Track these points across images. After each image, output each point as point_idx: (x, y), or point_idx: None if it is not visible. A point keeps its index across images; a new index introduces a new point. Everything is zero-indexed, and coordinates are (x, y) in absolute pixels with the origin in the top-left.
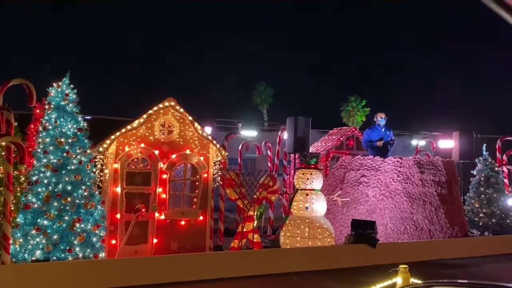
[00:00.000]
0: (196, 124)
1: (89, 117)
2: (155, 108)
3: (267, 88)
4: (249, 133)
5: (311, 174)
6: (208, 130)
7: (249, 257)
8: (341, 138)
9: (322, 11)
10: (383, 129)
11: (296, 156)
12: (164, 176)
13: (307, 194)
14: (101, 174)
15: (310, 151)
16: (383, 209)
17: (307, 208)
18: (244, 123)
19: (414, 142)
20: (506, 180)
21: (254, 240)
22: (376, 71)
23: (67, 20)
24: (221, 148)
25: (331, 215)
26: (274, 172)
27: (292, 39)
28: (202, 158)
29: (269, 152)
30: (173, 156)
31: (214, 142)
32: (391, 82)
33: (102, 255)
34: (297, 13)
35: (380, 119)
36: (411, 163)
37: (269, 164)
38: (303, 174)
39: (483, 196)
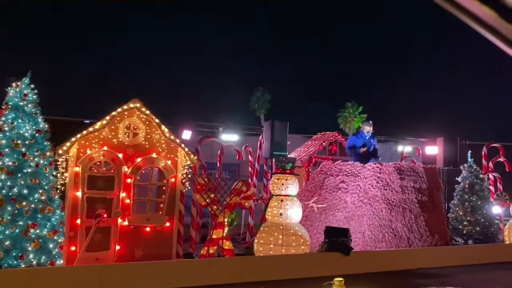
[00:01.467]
0: (163, 127)
1: (87, 121)
2: (119, 110)
3: (264, 93)
4: (230, 137)
5: (286, 179)
6: (187, 134)
7: (216, 265)
8: (324, 143)
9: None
10: (367, 137)
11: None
12: (129, 180)
13: (282, 200)
14: (63, 178)
15: (291, 156)
16: (361, 216)
17: (281, 214)
18: (225, 127)
19: (400, 148)
20: (492, 188)
21: (226, 247)
22: (363, 76)
23: (29, 16)
24: (189, 152)
25: (309, 222)
26: (255, 178)
27: (282, 41)
28: (169, 162)
29: (250, 157)
30: (139, 159)
31: (183, 145)
32: (378, 87)
33: (59, 262)
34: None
35: (367, 133)
36: (391, 169)
37: (249, 169)
38: (278, 179)
39: (467, 203)
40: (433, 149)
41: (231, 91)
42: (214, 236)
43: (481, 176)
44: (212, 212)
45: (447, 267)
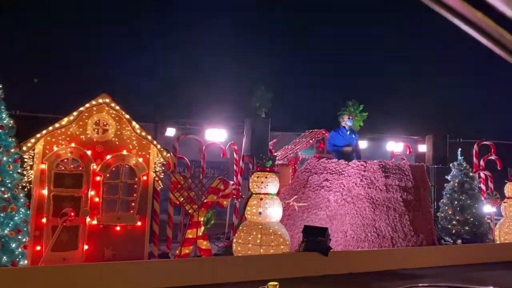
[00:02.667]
0: (133, 123)
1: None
2: (87, 105)
3: (266, 92)
4: (216, 134)
5: (265, 177)
6: (171, 131)
7: (187, 266)
8: (311, 141)
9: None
10: (348, 132)
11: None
12: (98, 178)
13: (261, 199)
14: (29, 175)
15: (280, 153)
16: (344, 215)
17: (260, 213)
18: (210, 124)
19: (390, 146)
20: (483, 186)
21: (203, 247)
22: (355, 72)
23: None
24: (162, 149)
25: (291, 221)
26: (240, 176)
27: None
28: (141, 159)
29: (235, 154)
30: (108, 157)
31: (155, 142)
32: (370, 83)
33: (23, 262)
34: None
35: (348, 119)
36: (376, 167)
37: (235, 167)
38: (257, 177)
39: (456, 202)
40: (424, 147)
41: (218, 87)
42: (189, 236)
43: (471, 174)
44: (189, 211)
45: (431, 267)
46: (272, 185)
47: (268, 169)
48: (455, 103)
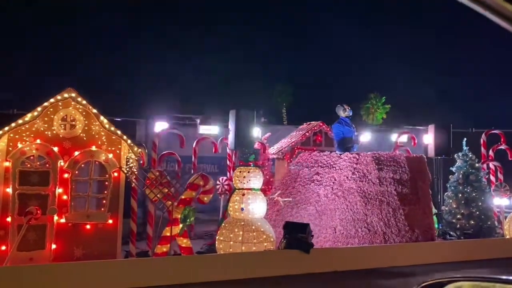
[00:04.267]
0: (101, 118)
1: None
2: (52, 100)
3: (286, 87)
4: (209, 129)
5: (248, 172)
6: (162, 126)
7: (160, 264)
8: (307, 134)
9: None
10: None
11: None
12: (66, 175)
13: (243, 194)
14: None
15: (277, 147)
16: (333, 210)
17: (242, 209)
18: (204, 118)
19: (395, 137)
20: (492, 178)
21: (183, 245)
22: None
23: None
24: (133, 145)
25: (280, 217)
26: (233, 171)
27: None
28: (111, 155)
29: (227, 149)
30: (76, 153)
31: (125, 137)
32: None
33: None
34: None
35: (349, 109)
36: (369, 159)
37: (228, 162)
38: (240, 172)
39: (460, 195)
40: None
41: (211, 81)
42: (166, 234)
43: (476, 165)
44: (168, 208)
45: (424, 264)
46: (255, 180)
47: (250, 163)
48: (462, 91)
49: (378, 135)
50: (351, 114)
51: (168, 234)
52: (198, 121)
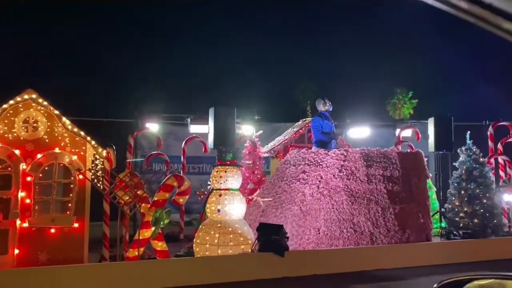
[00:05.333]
0: (64, 119)
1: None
2: (12, 102)
3: (310, 84)
4: (201, 128)
5: (225, 171)
6: (153, 127)
7: (127, 269)
8: (301, 131)
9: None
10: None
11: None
12: (29, 178)
13: (220, 195)
14: None
15: (273, 144)
16: (318, 210)
17: (219, 210)
18: (195, 118)
19: (399, 132)
20: (501, 173)
21: (158, 249)
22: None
23: None
24: (96, 146)
25: (264, 218)
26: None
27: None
28: (75, 157)
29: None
30: (39, 155)
31: (88, 138)
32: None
33: None
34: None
35: (329, 104)
36: (358, 155)
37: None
38: (216, 172)
39: (463, 192)
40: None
41: (200, 78)
42: (140, 237)
43: (481, 160)
44: (141, 210)
45: (412, 267)
46: (232, 180)
47: (228, 162)
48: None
49: (381, 130)
50: (331, 109)
51: (141, 237)
52: (189, 120)
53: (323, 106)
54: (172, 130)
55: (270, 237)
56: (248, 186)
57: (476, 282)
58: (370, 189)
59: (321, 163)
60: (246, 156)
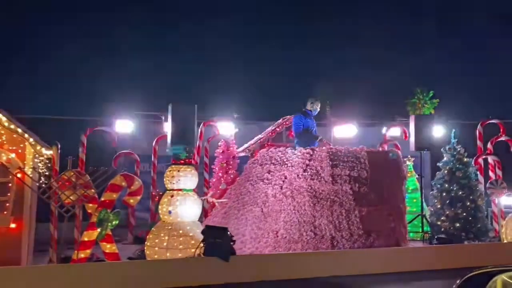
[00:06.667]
0: None
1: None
2: None
3: (326, 87)
4: None
5: (178, 171)
6: (128, 125)
7: (65, 273)
8: (277, 129)
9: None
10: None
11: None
12: None
13: (171, 196)
14: None
15: (250, 143)
16: (278, 212)
17: (170, 212)
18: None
19: (386, 131)
20: (491, 174)
21: (107, 251)
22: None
23: None
24: (34, 143)
25: (226, 220)
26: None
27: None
28: (13, 155)
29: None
30: None
31: (26, 136)
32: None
33: None
34: None
35: (317, 106)
36: (324, 154)
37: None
38: (169, 171)
39: (445, 194)
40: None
41: (180, 76)
42: (84, 239)
43: (465, 160)
44: (89, 211)
45: (370, 275)
46: (185, 180)
47: (182, 161)
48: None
49: (367, 129)
50: (316, 112)
51: (86, 239)
52: (163, 118)
53: (310, 105)
54: (148, 129)
55: (214, 240)
56: (220, 187)
57: (501, 276)
58: (334, 190)
59: (286, 163)
60: (219, 155)
